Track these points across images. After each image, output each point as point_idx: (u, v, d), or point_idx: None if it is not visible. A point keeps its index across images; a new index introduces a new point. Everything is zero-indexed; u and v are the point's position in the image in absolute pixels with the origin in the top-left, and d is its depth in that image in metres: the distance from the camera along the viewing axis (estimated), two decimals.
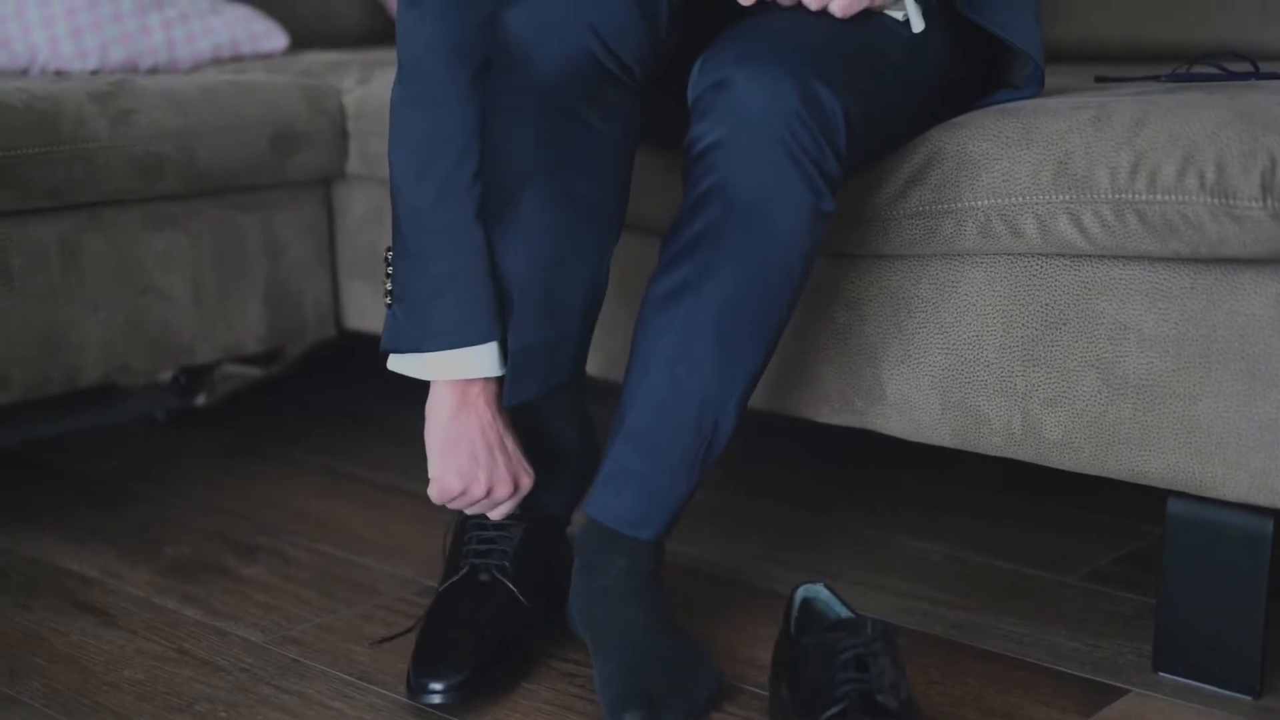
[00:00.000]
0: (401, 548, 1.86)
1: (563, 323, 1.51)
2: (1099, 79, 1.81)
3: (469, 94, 1.48)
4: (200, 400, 2.40)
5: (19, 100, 1.82)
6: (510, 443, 1.53)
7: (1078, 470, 1.51)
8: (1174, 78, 1.73)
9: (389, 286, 1.53)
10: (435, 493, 1.53)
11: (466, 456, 1.51)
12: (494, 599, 1.52)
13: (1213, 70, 1.73)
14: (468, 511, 1.56)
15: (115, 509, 2.02)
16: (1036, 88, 1.59)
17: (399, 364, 1.53)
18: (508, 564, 1.53)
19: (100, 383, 1.94)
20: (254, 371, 2.40)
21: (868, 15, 1.43)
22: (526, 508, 1.57)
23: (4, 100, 1.81)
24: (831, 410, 1.66)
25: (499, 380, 1.52)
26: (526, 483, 1.55)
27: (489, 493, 1.52)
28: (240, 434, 2.36)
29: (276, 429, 2.38)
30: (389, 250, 1.53)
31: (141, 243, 1.94)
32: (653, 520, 1.47)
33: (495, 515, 1.56)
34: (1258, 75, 1.70)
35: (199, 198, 2.01)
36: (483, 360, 1.50)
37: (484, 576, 1.53)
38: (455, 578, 1.54)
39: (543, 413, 1.57)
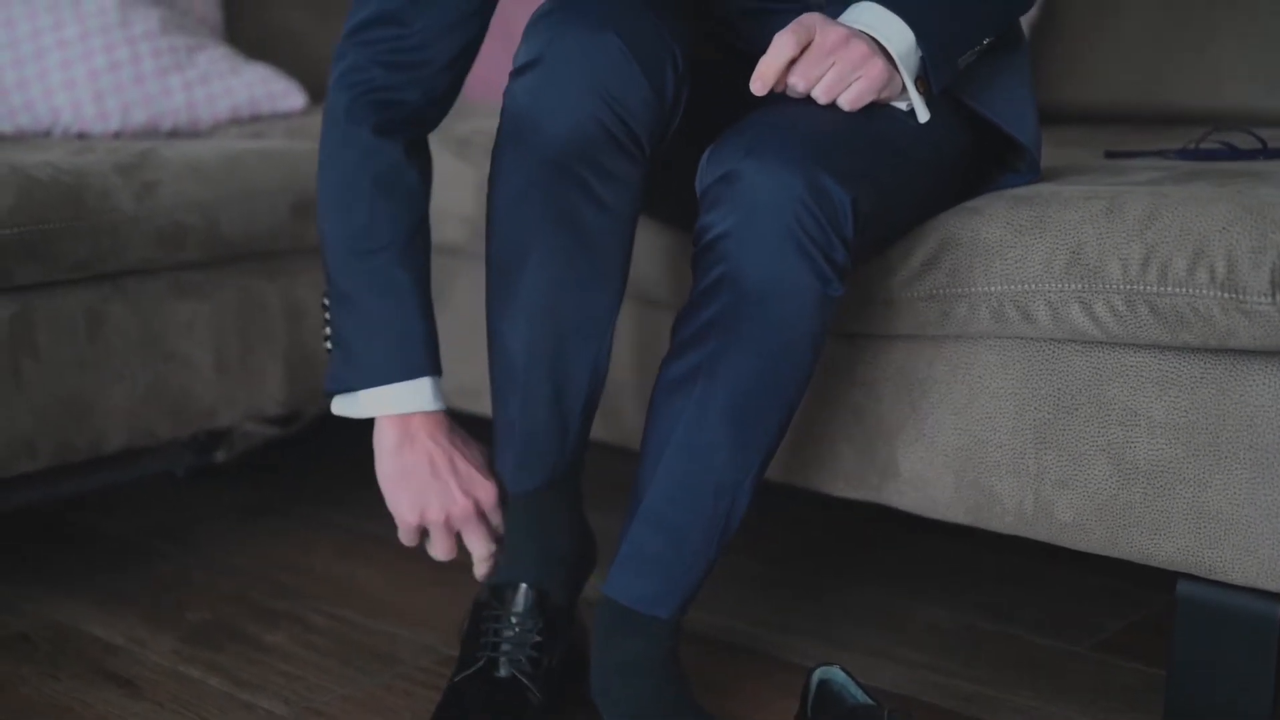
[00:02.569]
0: (422, 613, 1.89)
1: (568, 403, 1.53)
2: (1109, 154, 1.84)
3: (377, 143, 1.55)
4: (219, 457, 2.42)
5: (45, 175, 1.85)
6: (462, 462, 1.59)
7: (1089, 551, 1.53)
8: (1183, 155, 1.76)
9: (327, 331, 1.59)
10: (400, 531, 1.62)
11: (415, 488, 1.59)
12: (507, 696, 1.54)
13: (1221, 148, 1.76)
14: (436, 552, 1.62)
15: (137, 570, 2.05)
16: (1035, 174, 1.62)
17: (339, 406, 1.60)
18: (523, 658, 1.54)
19: (124, 449, 1.97)
20: (272, 429, 2.42)
21: (874, 106, 1.46)
22: (540, 602, 1.57)
23: (31, 175, 1.84)
24: (847, 485, 1.69)
25: (441, 412, 1.59)
26: (485, 496, 1.59)
27: (447, 517, 1.59)
28: (259, 491, 2.39)
29: (295, 486, 2.41)
30: (325, 295, 1.59)
31: (165, 311, 1.97)
32: (670, 599, 1.49)
33: (477, 564, 1.62)
34: (1265, 153, 1.73)
35: (221, 265, 2.04)
36: (417, 395, 1.57)
37: (501, 672, 1.54)
38: (470, 670, 1.55)
39: (544, 505, 1.58)
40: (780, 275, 1.37)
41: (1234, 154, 1.74)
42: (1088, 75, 2.28)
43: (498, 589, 1.57)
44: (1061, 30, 2.30)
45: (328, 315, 1.60)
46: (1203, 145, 1.78)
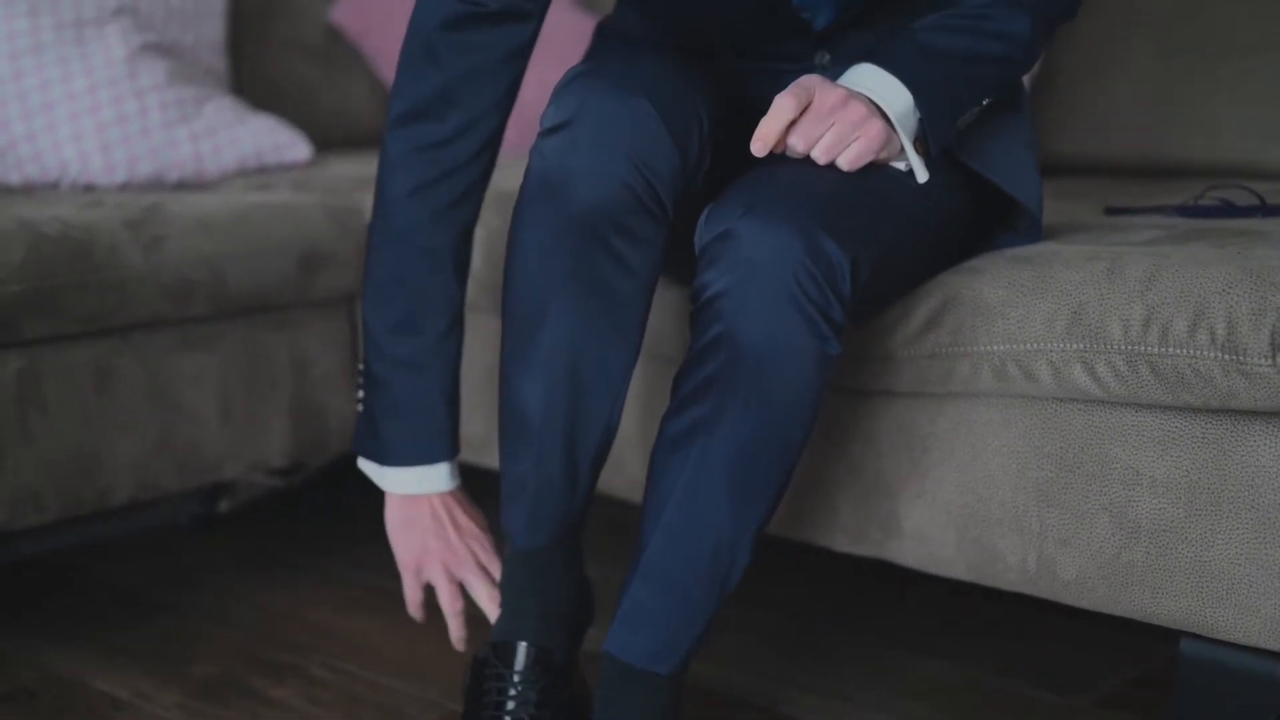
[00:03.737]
0: (425, 667, 1.89)
1: (580, 460, 1.54)
2: (1109, 210, 1.85)
3: (430, 239, 1.60)
4: (223, 507, 2.43)
5: (54, 230, 1.86)
6: (462, 515, 1.69)
7: (1091, 609, 1.54)
8: (1182, 211, 1.78)
9: (360, 395, 1.68)
10: (405, 588, 1.73)
11: (418, 534, 1.70)
12: None
13: (1220, 205, 1.78)
14: (443, 600, 1.71)
15: (141, 622, 2.06)
16: (1036, 235, 1.64)
17: (364, 466, 1.71)
18: (526, 717, 1.54)
19: (130, 501, 1.98)
20: (276, 480, 2.43)
21: (874, 166, 1.47)
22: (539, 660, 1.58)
23: (40, 230, 1.85)
24: (848, 540, 1.70)
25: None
26: (481, 547, 1.69)
27: (444, 563, 1.69)
28: (262, 541, 2.39)
29: (298, 537, 2.42)
30: (361, 361, 1.68)
31: (171, 365, 1.99)
32: (670, 655, 1.50)
33: (487, 609, 1.68)
34: (1264, 210, 1.75)
35: (228, 319, 2.05)
36: (434, 478, 1.68)
37: None
38: None
39: (547, 562, 1.59)
40: (778, 334, 1.38)
41: (1233, 211, 1.76)
42: (1087, 128, 2.30)
43: (499, 647, 1.57)
44: (1061, 83, 2.32)
45: (361, 380, 1.68)
46: (1202, 202, 1.80)
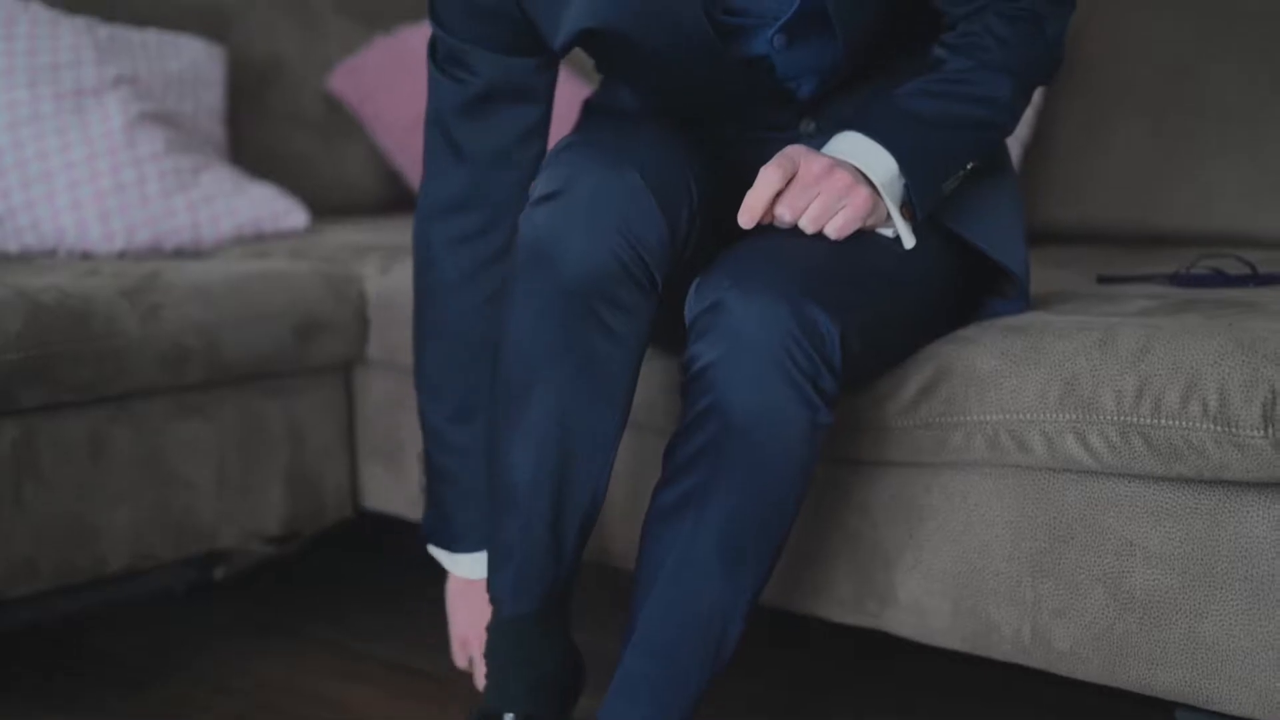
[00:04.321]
0: None
1: (566, 527, 1.55)
2: (1101, 279, 1.86)
3: (483, 326, 1.63)
4: (218, 574, 2.43)
5: (51, 299, 1.87)
6: None
7: (1086, 680, 1.54)
8: (1175, 280, 1.78)
9: (424, 481, 1.71)
10: (453, 648, 1.76)
11: (476, 618, 1.70)
12: None
13: (1212, 274, 1.79)
14: (480, 683, 1.68)
15: (136, 693, 2.04)
16: (1024, 300, 1.65)
17: (435, 552, 1.76)
18: None
19: (124, 570, 1.97)
20: (272, 547, 2.43)
21: (861, 233, 1.48)
22: None
23: (37, 299, 1.86)
24: (844, 611, 1.70)
25: None
26: None
27: None
28: (258, 609, 2.39)
29: (294, 604, 2.41)
30: (424, 445, 1.71)
31: (167, 433, 1.99)
32: None
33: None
34: (1256, 279, 1.76)
35: (224, 386, 2.06)
36: None
37: None
38: None
39: (533, 630, 1.58)
40: (768, 405, 1.38)
41: (1225, 280, 1.77)
42: (1079, 196, 2.31)
43: (486, 718, 1.57)
44: (1053, 151, 2.34)
45: (425, 470, 1.72)
46: (1194, 271, 1.81)
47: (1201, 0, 2.23)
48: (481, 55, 1.58)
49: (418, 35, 2.87)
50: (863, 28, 1.53)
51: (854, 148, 1.49)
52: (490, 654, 1.59)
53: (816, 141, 1.59)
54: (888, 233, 1.52)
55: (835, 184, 1.45)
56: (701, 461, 1.42)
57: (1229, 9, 2.21)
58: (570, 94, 2.68)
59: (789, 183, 1.45)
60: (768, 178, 1.43)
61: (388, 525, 2.35)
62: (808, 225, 1.45)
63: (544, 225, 1.45)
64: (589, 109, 1.76)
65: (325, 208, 2.72)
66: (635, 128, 1.56)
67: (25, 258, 2.28)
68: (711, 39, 1.51)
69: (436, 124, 1.63)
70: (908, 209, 1.51)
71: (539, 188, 1.47)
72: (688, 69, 1.56)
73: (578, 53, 1.62)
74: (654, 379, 1.77)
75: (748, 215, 1.43)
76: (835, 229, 1.46)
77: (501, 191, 1.62)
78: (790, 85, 1.59)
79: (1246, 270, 1.78)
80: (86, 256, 2.31)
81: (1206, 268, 1.81)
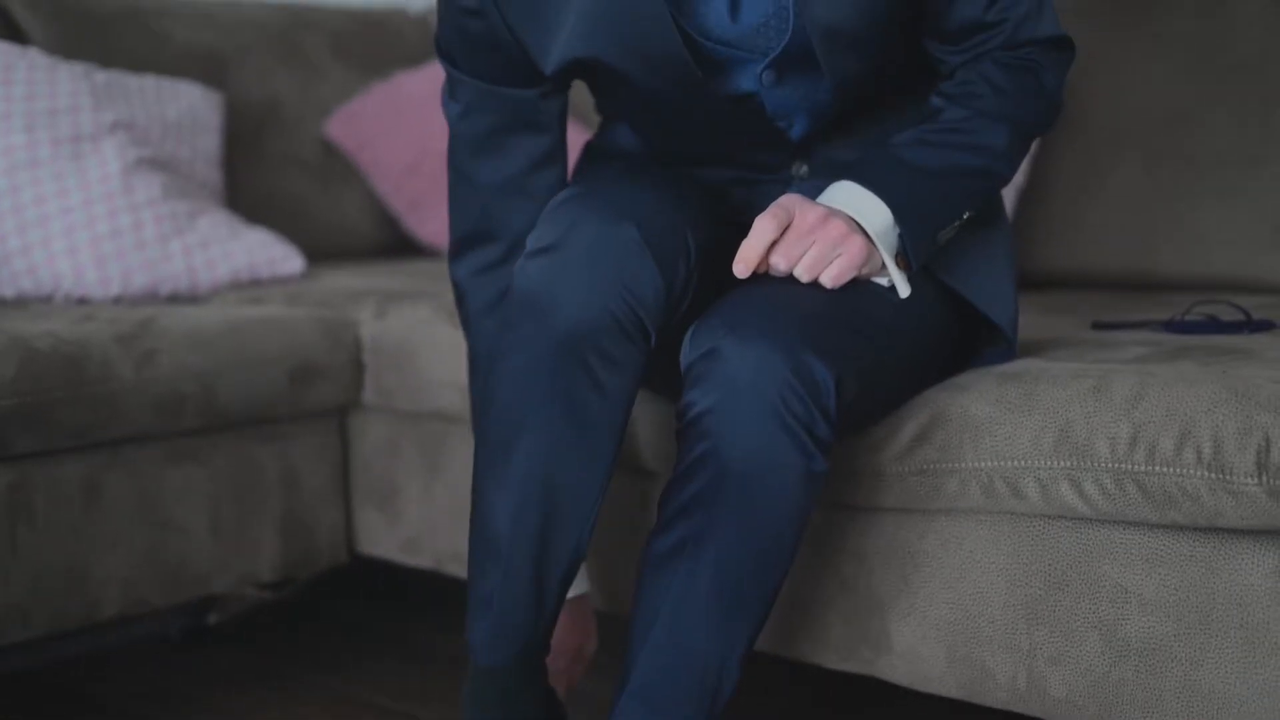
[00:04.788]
0: None
1: (548, 578, 1.54)
2: (1096, 325, 1.86)
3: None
4: (212, 620, 2.42)
5: (46, 345, 1.87)
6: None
7: None
8: (1169, 327, 1.79)
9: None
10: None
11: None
12: None
13: (1206, 321, 1.79)
14: None
15: None
16: (1011, 353, 1.65)
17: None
18: None
19: (118, 616, 1.97)
20: (266, 593, 2.42)
21: (856, 282, 1.49)
22: None
23: (32, 345, 1.86)
24: (839, 658, 1.69)
25: None
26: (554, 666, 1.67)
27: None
28: (252, 654, 2.38)
29: (289, 649, 2.40)
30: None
31: (161, 478, 1.99)
32: None
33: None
34: (1250, 326, 1.76)
35: (218, 432, 2.05)
36: None
37: None
38: None
39: (511, 680, 1.57)
40: (763, 452, 1.38)
41: (1219, 327, 1.77)
42: (1074, 241, 2.32)
43: None
44: (1048, 196, 2.34)
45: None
46: (1188, 317, 1.81)
47: (1194, 50, 2.24)
48: (487, 88, 1.60)
49: (415, 81, 2.88)
50: (851, 68, 1.54)
51: (849, 197, 1.49)
52: (468, 704, 1.57)
53: (809, 184, 1.60)
54: (883, 282, 1.52)
55: (830, 233, 1.45)
56: (697, 508, 1.42)
57: (1221, 58, 2.21)
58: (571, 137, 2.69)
59: (784, 232, 1.45)
60: (762, 227, 1.44)
61: (383, 570, 2.34)
62: (802, 274, 1.46)
63: (539, 278, 1.46)
64: (589, 151, 1.77)
65: (322, 252, 2.72)
66: (634, 179, 1.56)
67: (21, 303, 2.28)
68: (690, 68, 1.51)
69: (451, 162, 1.66)
70: (903, 258, 1.51)
71: (535, 240, 1.47)
72: (677, 105, 1.56)
73: (581, 97, 1.64)
74: (648, 421, 1.77)
75: (743, 265, 1.44)
76: (830, 278, 1.46)
77: (518, 221, 1.62)
78: (781, 125, 1.60)
79: (1240, 317, 1.79)
80: (83, 302, 2.31)
81: (1200, 314, 1.81)
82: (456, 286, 1.69)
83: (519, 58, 1.57)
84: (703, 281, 1.53)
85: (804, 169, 1.63)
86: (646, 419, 1.79)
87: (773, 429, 1.38)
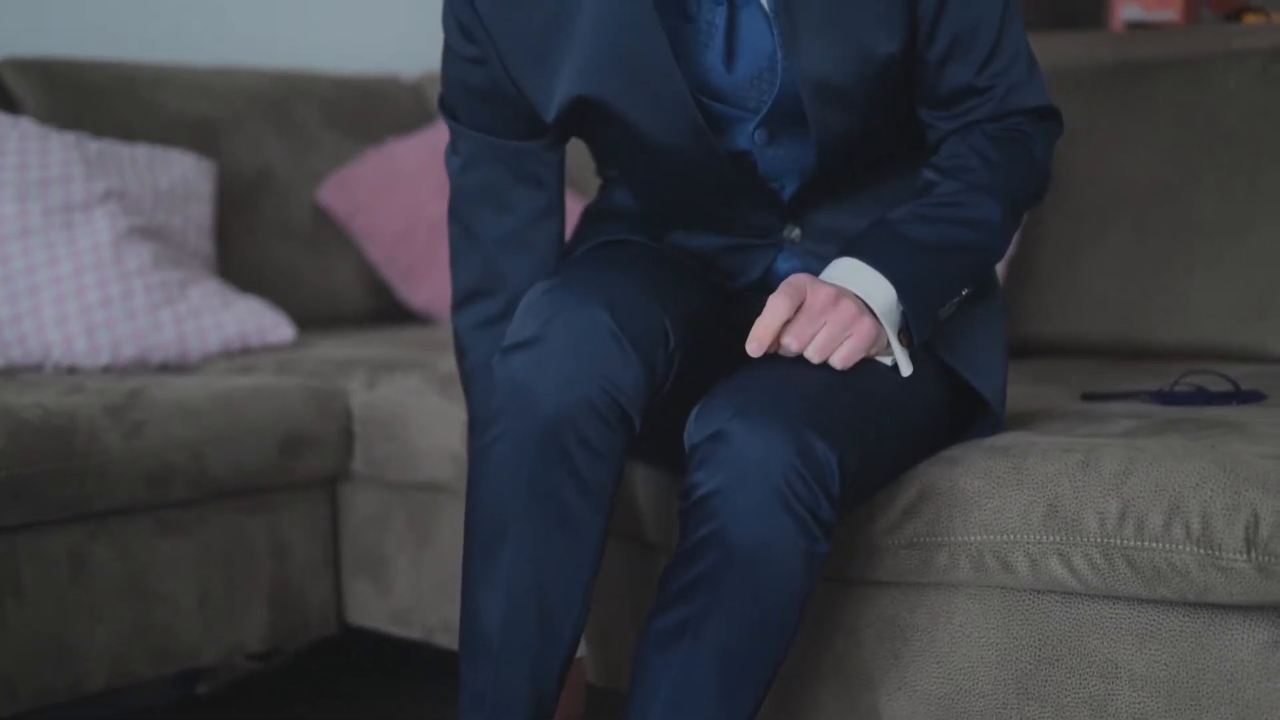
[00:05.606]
0: None
1: (545, 675, 1.52)
2: (1085, 396, 1.87)
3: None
4: (201, 690, 2.41)
5: (34, 416, 1.87)
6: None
7: None
8: (1158, 398, 1.79)
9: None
10: None
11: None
12: None
13: (1195, 391, 1.79)
14: None
15: None
16: (998, 428, 1.65)
17: None
18: None
19: (105, 689, 1.96)
20: (255, 663, 2.41)
21: (861, 361, 1.49)
22: None
23: (21, 417, 1.86)
24: None
25: None
26: None
27: None
28: None
29: (276, 719, 2.39)
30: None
31: (149, 550, 1.98)
32: None
33: None
34: (1239, 397, 1.76)
35: (207, 503, 2.05)
36: None
37: None
38: None
39: None
40: (768, 535, 1.39)
41: (1208, 398, 1.77)
42: (1063, 310, 2.32)
43: None
44: (1037, 265, 2.35)
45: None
46: (1177, 389, 1.81)
47: (1181, 120, 2.25)
48: (488, 140, 1.62)
49: (407, 149, 2.89)
50: (838, 124, 1.55)
51: (854, 274, 1.49)
52: None
53: (801, 247, 1.61)
54: (886, 360, 1.52)
55: (841, 314, 1.45)
56: (699, 590, 1.42)
57: (1207, 130, 2.23)
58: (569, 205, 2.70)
59: (796, 312, 1.46)
60: (776, 307, 1.44)
61: (372, 641, 2.33)
62: (814, 355, 1.46)
63: (519, 371, 1.46)
64: (587, 215, 1.78)
65: (313, 319, 2.72)
66: (614, 264, 1.56)
67: (10, 372, 2.28)
68: (691, 108, 1.52)
69: (453, 212, 1.67)
70: (904, 336, 1.52)
71: (515, 332, 1.48)
72: (674, 152, 1.57)
73: (576, 161, 1.64)
74: (647, 493, 1.77)
75: (756, 344, 1.44)
76: (840, 359, 1.46)
77: (518, 275, 1.63)
78: (774, 185, 1.61)
79: (1229, 388, 1.79)
80: (72, 371, 2.31)
81: (1189, 385, 1.81)
82: (458, 339, 1.70)
83: (520, 108, 1.58)
84: (690, 354, 1.54)
85: (796, 232, 1.64)
86: (647, 491, 1.78)
87: (779, 513, 1.38)
